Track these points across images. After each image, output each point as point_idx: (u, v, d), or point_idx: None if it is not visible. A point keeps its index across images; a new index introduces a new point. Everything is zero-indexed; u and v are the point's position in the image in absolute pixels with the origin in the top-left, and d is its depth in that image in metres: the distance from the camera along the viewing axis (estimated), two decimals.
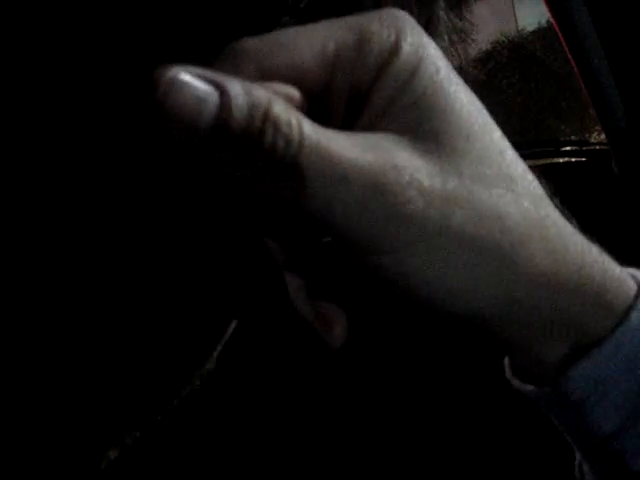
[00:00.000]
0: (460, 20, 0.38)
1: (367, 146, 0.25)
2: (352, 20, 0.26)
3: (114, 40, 0.27)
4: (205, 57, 0.25)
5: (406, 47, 0.25)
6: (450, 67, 0.27)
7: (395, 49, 0.25)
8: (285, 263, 0.31)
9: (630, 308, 0.29)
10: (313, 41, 0.25)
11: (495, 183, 0.27)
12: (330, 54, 0.25)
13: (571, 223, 0.30)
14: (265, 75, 0.25)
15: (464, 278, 0.26)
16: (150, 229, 0.31)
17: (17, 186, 0.28)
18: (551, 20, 1.16)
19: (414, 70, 0.26)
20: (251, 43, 0.25)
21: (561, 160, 1.40)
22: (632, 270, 0.31)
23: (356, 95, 0.26)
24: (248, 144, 0.23)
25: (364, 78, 0.26)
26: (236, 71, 0.24)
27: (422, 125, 0.26)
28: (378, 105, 0.26)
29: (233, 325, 0.38)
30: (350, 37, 0.25)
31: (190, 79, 0.22)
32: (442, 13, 0.36)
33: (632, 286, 0.29)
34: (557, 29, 1.15)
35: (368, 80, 0.26)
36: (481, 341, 0.31)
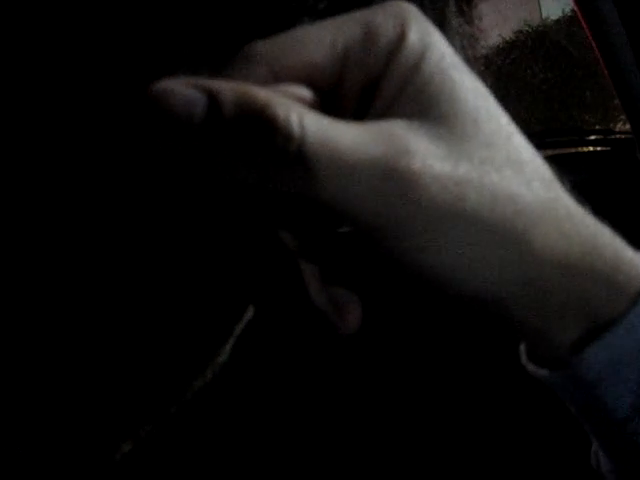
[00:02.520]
0: (470, 25, 0.39)
1: (378, 133, 0.25)
2: (358, 15, 0.27)
3: (124, 41, 0.28)
4: (225, 58, 0.26)
5: (412, 36, 0.26)
6: (455, 55, 0.27)
7: (401, 38, 0.26)
8: (299, 251, 0.31)
9: None
10: (322, 38, 0.26)
11: (505, 166, 0.27)
12: (339, 49, 0.26)
13: (583, 207, 0.30)
14: (278, 76, 0.26)
15: (481, 260, 0.27)
16: (163, 219, 0.31)
17: (15, 183, 0.29)
18: (575, 9, 1.15)
19: (421, 57, 0.26)
20: (262, 46, 0.26)
21: (585, 149, 1.39)
22: None
23: (368, 86, 0.27)
24: (243, 141, 0.23)
25: (373, 69, 0.26)
26: (249, 75, 0.25)
27: (431, 110, 0.26)
28: (388, 93, 0.27)
29: (248, 316, 0.38)
30: (357, 31, 0.26)
31: (179, 87, 0.23)
32: (454, 20, 0.37)
33: None
34: (581, 18, 1.14)
35: (377, 70, 0.26)
36: (497, 326, 0.31)
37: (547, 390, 0.33)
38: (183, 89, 0.23)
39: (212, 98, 0.23)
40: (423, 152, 0.25)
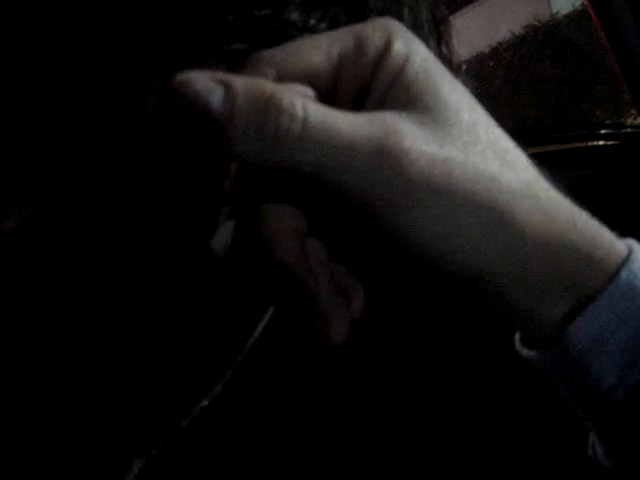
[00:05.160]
0: (449, 53, 0.41)
1: (370, 118, 0.28)
2: (349, 28, 0.30)
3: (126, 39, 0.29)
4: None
5: (397, 43, 0.29)
6: (436, 59, 0.31)
7: (388, 46, 0.29)
8: (308, 229, 0.32)
9: (621, 266, 0.31)
10: (319, 48, 0.30)
11: (486, 151, 0.30)
12: (334, 57, 0.29)
13: (565, 196, 0.32)
14: (283, 78, 0.29)
15: (469, 234, 0.29)
16: (175, 230, 0.32)
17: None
18: (585, 3, 1.15)
19: (405, 60, 0.29)
20: (268, 53, 0.29)
21: (596, 143, 1.39)
22: (629, 239, 0.33)
23: (360, 88, 0.30)
24: (254, 125, 0.27)
25: (365, 73, 0.30)
26: (259, 75, 0.29)
27: (416, 102, 0.29)
28: (378, 92, 0.30)
29: (262, 325, 0.39)
30: (349, 41, 0.30)
31: (198, 76, 0.27)
32: (433, 47, 0.40)
33: (623, 247, 0.31)
34: (592, 12, 1.14)
35: (368, 74, 0.30)
36: (489, 309, 0.33)
37: (544, 382, 0.34)
38: (202, 79, 0.27)
39: (227, 87, 0.27)
40: (412, 133, 0.28)
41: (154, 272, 0.33)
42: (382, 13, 0.34)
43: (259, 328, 0.39)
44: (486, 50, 7.42)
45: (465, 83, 0.31)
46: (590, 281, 0.31)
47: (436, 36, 0.39)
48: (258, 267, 0.32)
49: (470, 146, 0.29)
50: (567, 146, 1.37)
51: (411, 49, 0.30)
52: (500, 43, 7.31)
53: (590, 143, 1.38)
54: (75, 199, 0.30)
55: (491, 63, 7.24)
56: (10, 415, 0.33)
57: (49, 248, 0.31)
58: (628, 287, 0.31)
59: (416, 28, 0.37)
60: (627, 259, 0.31)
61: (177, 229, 0.32)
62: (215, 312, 0.36)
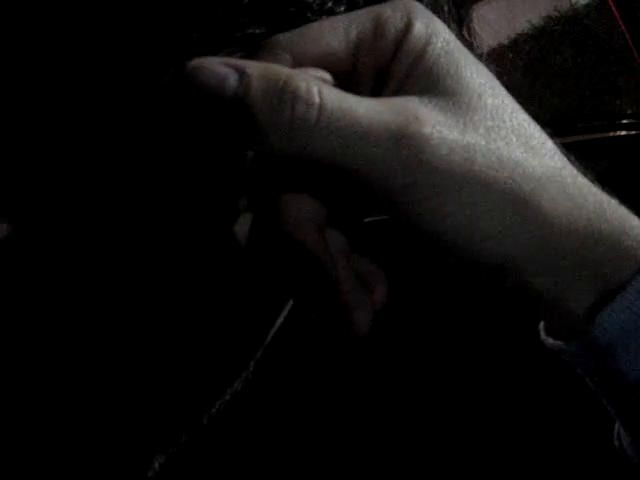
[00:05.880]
0: (471, 37, 0.41)
1: (389, 105, 0.28)
2: (367, 10, 0.30)
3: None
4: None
5: (418, 24, 0.29)
6: (458, 41, 0.31)
7: (408, 27, 0.29)
8: (328, 219, 0.33)
9: None
10: (336, 30, 0.29)
11: (510, 135, 0.30)
12: (352, 40, 0.29)
13: (593, 183, 0.31)
14: (299, 63, 0.29)
15: (491, 221, 0.29)
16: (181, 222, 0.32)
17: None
18: None
19: (426, 42, 0.29)
20: (283, 36, 0.29)
21: (618, 133, 1.38)
22: None
23: (380, 72, 0.30)
24: (269, 110, 0.27)
25: (384, 56, 0.30)
26: (272, 60, 0.29)
27: (438, 87, 0.29)
28: (398, 76, 0.30)
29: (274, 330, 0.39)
30: (368, 23, 0.29)
31: (212, 63, 0.27)
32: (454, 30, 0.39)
33: None
34: (611, 2, 1.14)
35: (387, 56, 0.30)
36: (515, 300, 0.32)
37: (570, 374, 0.34)
38: (215, 65, 0.27)
39: (241, 73, 0.27)
40: (432, 119, 0.28)
41: (176, 262, 0.33)
42: None
43: (279, 321, 0.38)
44: (505, 42, 7.34)
45: (488, 68, 0.31)
46: (619, 270, 0.31)
47: (457, 19, 0.38)
48: (277, 258, 0.32)
49: (493, 132, 0.29)
50: (587, 137, 1.36)
51: (432, 31, 0.30)
52: (519, 35, 7.23)
53: (611, 133, 1.37)
54: (94, 186, 0.30)
55: (510, 55, 7.17)
56: (28, 410, 0.33)
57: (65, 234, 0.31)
58: None
59: (436, 10, 0.36)
60: None
61: (196, 217, 0.32)
62: (236, 304, 0.36)
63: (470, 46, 0.40)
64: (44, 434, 0.34)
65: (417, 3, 0.31)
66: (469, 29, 0.40)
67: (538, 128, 0.31)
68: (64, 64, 0.28)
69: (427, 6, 0.35)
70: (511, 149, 0.29)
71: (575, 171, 0.31)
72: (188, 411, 0.38)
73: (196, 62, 0.27)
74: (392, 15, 0.29)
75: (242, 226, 0.33)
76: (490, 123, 0.29)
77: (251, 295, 0.36)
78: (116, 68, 0.29)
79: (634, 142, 1.40)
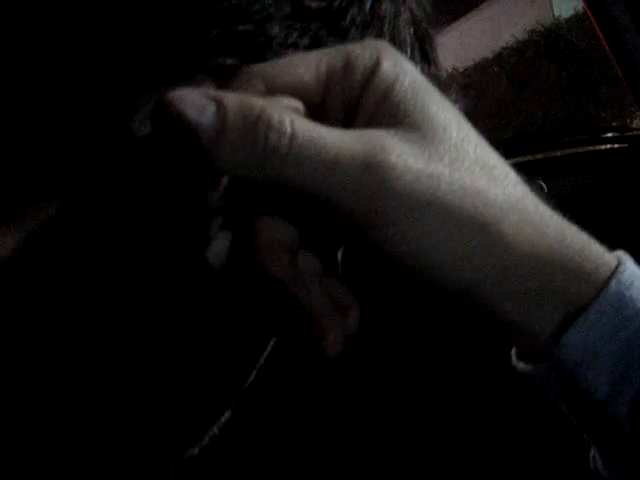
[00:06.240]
0: (434, 66, 0.42)
1: (357, 135, 0.29)
2: (338, 47, 0.31)
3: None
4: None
5: (386, 63, 0.30)
6: (425, 79, 0.31)
7: (376, 65, 0.30)
8: (301, 242, 0.32)
9: (609, 278, 0.31)
10: (308, 64, 0.30)
11: (473, 167, 0.30)
12: (323, 74, 0.30)
13: (553, 209, 0.32)
14: (272, 92, 0.30)
15: (457, 248, 0.29)
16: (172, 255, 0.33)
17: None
18: (585, 7, 1.15)
19: (394, 80, 0.30)
20: (257, 67, 0.30)
21: (603, 147, 1.39)
22: (618, 251, 0.33)
23: (349, 106, 0.31)
24: (244, 139, 0.27)
25: (353, 90, 0.30)
26: (247, 90, 0.29)
27: (405, 120, 0.30)
28: (367, 110, 0.30)
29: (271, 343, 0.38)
30: (338, 59, 0.30)
31: (191, 94, 0.27)
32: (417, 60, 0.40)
33: (612, 259, 0.32)
34: (591, 15, 1.14)
35: (357, 92, 0.30)
36: (484, 325, 0.33)
37: (545, 396, 0.35)
38: (193, 96, 0.27)
39: (218, 104, 0.27)
40: (398, 149, 0.29)
41: (150, 289, 0.33)
42: (362, 28, 0.34)
43: (265, 349, 0.38)
44: (490, 55, 7.43)
45: (455, 96, 0.31)
46: (580, 293, 0.31)
47: (420, 53, 0.39)
48: (253, 279, 0.32)
49: (457, 162, 0.30)
50: (572, 150, 1.37)
51: (400, 69, 0.30)
52: (504, 48, 7.32)
53: (596, 147, 1.38)
54: (67, 212, 0.30)
55: (495, 68, 7.25)
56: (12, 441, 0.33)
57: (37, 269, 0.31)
58: (617, 298, 0.31)
59: (397, 42, 0.37)
60: (616, 270, 0.31)
61: (168, 243, 0.32)
62: (216, 328, 0.36)
63: (436, 78, 0.41)
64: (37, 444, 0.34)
65: (386, 43, 0.31)
66: (434, 62, 0.41)
67: (501, 160, 0.32)
68: (38, 95, 0.29)
69: (387, 38, 0.36)
70: (474, 178, 0.30)
71: (537, 200, 0.32)
72: (176, 444, 0.38)
73: (176, 92, 0.28)
74: (362, 53, 0.30)
75: (220, 246, 0.33)
76: (454, 154, 0.30)
77: (230, 317, 0.36)
78: (88, 98, 0.29)
79: (619, 155, 1.41)
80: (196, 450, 0.38)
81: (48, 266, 0.30)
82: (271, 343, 0.38)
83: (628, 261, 0.32)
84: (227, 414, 0.39)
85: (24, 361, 0.32)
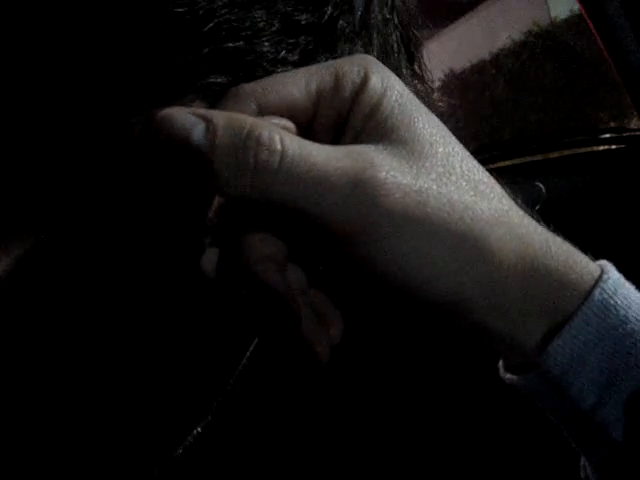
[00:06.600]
0: (422, 72, 0.42)
1: (346, 152, 0.29)
2: (327, 64, 0.31)
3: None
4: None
5: (373, 78, 0.30)
6: (411, 94, 0.32)
7: (365, 81, 0.30)
8: (289, 256, 0.33)
9: (593, 287, 0.32)
10: (298, 82, 0.30)
11: (460, 181, 0.31)
12: (313, 91, 0.30)
13: (538, 222, 0.33)
14: (263, 111, 0.30)
15: (445, 262, 0.30)
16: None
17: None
18: (580, 9, 1.15)
19: (382, 95, 0.30)
20: (248, 86, 0.30)
21: (601, 148, 1.39)
22: (601, 261, 0.34)
23: (338, 123, 0.31)
24: (234, 157, 0.28)
25: (342, 107, 0.31)
26: (238, 109, 0.29)
27: (392, 135, 0.30)
28: (355, 125, 0.31)
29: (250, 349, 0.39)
30: (327, 76, 0.31)
31: (180, 113, 0.28)
32: (408, 79, 0.40)
33: (595, 269, 0.32)
34: (586, 16, 1.15)
35: (346, 108, 0.31)
36: (471, 338, 0.33)
37: (533, 407, 0.35)
38: (184, 115, 0.28)
39: (208, 122, 0.28)
40: (387, 165, 0.29)
41: (143, 298, 0.33)
42: (351, 39, 0.35)
43: (247, 353, 0.39)
44: (487, 57, 7.43)
45: (443, 100, 0.31)
46: (565, 303, 0.32)
47: (407, 56, 0.40)
48: (241, 293, 0.32)
49: (444, 177, 0.30)
50: (570, 152, 1.37)
51: (387, 85, 0.31)
52: (501, 50, 7.33)
53: (594, 148, 1.38)
54: (63, 227, 0.30)
55: (492, 70, 7.26)
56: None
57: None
58: (602, 306, 0.32)
59: (386, 51, 0.38)
60: (599, 279, 0.32)
61: (161, 259, 0.32)
62: (205, 335, 0.36)
63: (421, 80, 0.41)
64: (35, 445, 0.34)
65: (373, 58, 0.32)
66: (420, 65, 0.42)
67: (487, 174, 0.32)
68: (30, 112, 0.28)
69: (376, 48, 0.37)
70: (461, 193, 0.30)
71: (522, 212, 0.32)
72: (160, 445, 0.38)
73: (165, 111, 0.28)
74: (350, 70, 0.31)
75: (209, 261, 0.33)
76: (441, 169, 0.30)
77: (219, 325, 0.36)
78: (79, 119, 0.29)
79: (617, 156, 1.41)
80: (180, 450, 0.38)
81: (57, 264, 0.30)
82: (251, 347, 0.38)
83: (611, 270, 0.33)
84: (210, 415, 0.39)
85: (19, 363, 0.32)
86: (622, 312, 0.31)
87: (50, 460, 0.34)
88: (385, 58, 0.36)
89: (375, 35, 0.37)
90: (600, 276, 0.32)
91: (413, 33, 0.41)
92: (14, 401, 0.32)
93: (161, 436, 0.38)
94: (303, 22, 0.32)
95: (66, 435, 0.34)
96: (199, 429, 0.38)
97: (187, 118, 0.28)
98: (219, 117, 0.28)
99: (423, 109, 0.32)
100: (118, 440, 0.35)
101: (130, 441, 0.36)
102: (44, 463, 0.33)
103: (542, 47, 6.88)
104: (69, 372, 0.32)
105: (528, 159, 1.37)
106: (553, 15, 7.31)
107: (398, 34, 0.39)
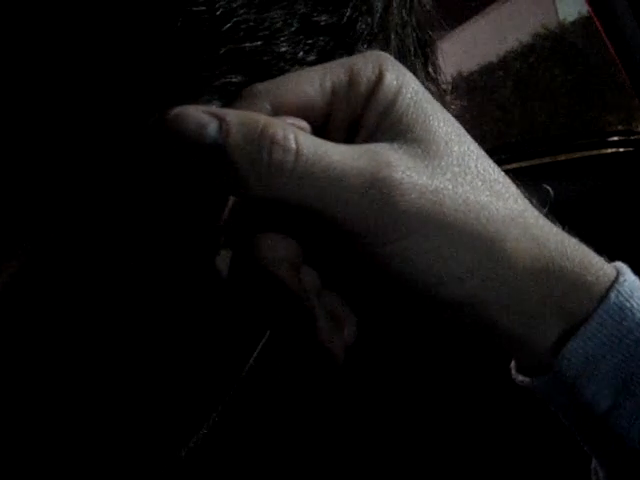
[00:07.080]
0: (436, 74, 0.42)
1: (362, 151, 0.29)
2: (342, 61, 0.31)
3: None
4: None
5: (388, 76, 0.30)
6: (426, 91, 0.31)
7: (379, 79, 0.30)
8: (303, 257, 0.33)
9: (609, 289, 0.31)
10: (312, 81, 0.30)
11: (475, 181, 0.30)
12: (327, 89, 0.30)
13: (554, 224, 0.33)
14: (277, 111, 0.29)
15: (461, 262, 0.30)
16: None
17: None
18: (589, 10, 1.15)
19: (397, 93, 0.30)
20: (262, 85, 0.30)
21: (608, 151, 1.38)
22: (617, 263, 0.33)
23: (353, 120, 0.31)
24: (248, 156, 0.27)
25: (357, 105, 0.30)
26: (252, 108, 0.29)
27: (407, 134, 0.30)
28: (370, 124, 0.30)
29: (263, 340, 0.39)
30: (342, 74, 0.30)
31: (193, 111, 0.27)
32: (420, 70, 0.40)
33: (611, 271, 0.32)
34: (594, 18, 1.14)
35: (360, 106, 0.30)
36: (484, 339, 0.33)
37: (545, 409, 0.35)
38: (197, 113, 0.27)
39: (221, 121, 0.27)
40: (403, 165, 0.29)
41: (157, 296, 0.33)
42: (369, 40, 0.34)
43: (255, 354, 0.38)
44: (495, 60, 7.43)
45: (452, 103, 0.31)
46: (580, 305, 0.31)
47: (423, 58, 0.40)
48: (255, 294, 0.32)
49: (460, 177, 0.30)
50: (578, 154, 1.37)
51: (402, 82, 0.30)
52: (509, 52, 7.31)
53: (602, 151, 1.38)
54: (81, 223, 0.30)
55: (500, 73, 7.25)
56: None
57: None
58: (617, 308, 0.31)
59: (403, 52, 0.38)
60: (615, 281, 0.31)
61: (175, 258, 0.32)
62: (216, 335, 0.36)
63: (436, 83, 0.41)
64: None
65: (388, 55, 0.31)
66: (434, 66, 0.42)
67: (502, 173, 0.32)
68: (47, 112, 0.28)
69: (394, 49, 0.37)
70: (477, 193, 0.30)
71: (537, 213, 0.32)
72: (165, 445, 0.38)
73: (178, 110, 0.27)
74: (364, 67, 0.30)
75: (221, 262, 0.33)
76: (457, 169, 0.30)
77: (231, 325, 0.36)
78: (96, 116, 0.29)
79: (625, 159, 1.41)
80: (185, 451, 0.38)
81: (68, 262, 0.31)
82: (259, 347, 0.38)
83: (627, 272, 0.32)
84: (216, 416, 0.39)
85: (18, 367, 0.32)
86: (638, 315, 0.31)
87: (56, 460, 0.34)
88: (402, 60, 0.36)
89: (393, 37, 0.36)
90: (616, 278, 0.32)
91: (429, 35, 0.40)
92: (24, 402, 0.32)
93: (167, 436, 0.38)
94: (322, 23, 0.32)
95: (72, 435, 0.34)
96: (205, 429, 0.38)
97: (200, 116, 0.27)
98: (232, 115, 0.28)
99: (438, 107, 0.31)
100: (125, 440, 0.35)
101: (137, 441, 0.36)
102: (50, 463, 0.34)
103: (550, 49, 6.86)
104: (78, 365, 0.32)
105: (536, 162, 1.37)
106: (561, 17, 7.30)
107: (415, 36, 0.39)
